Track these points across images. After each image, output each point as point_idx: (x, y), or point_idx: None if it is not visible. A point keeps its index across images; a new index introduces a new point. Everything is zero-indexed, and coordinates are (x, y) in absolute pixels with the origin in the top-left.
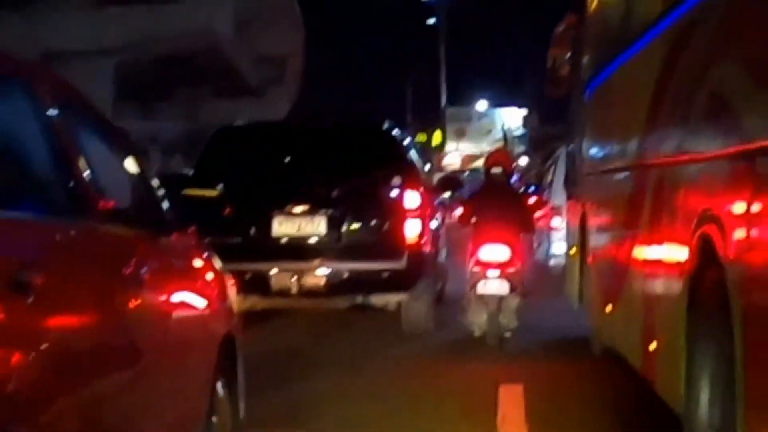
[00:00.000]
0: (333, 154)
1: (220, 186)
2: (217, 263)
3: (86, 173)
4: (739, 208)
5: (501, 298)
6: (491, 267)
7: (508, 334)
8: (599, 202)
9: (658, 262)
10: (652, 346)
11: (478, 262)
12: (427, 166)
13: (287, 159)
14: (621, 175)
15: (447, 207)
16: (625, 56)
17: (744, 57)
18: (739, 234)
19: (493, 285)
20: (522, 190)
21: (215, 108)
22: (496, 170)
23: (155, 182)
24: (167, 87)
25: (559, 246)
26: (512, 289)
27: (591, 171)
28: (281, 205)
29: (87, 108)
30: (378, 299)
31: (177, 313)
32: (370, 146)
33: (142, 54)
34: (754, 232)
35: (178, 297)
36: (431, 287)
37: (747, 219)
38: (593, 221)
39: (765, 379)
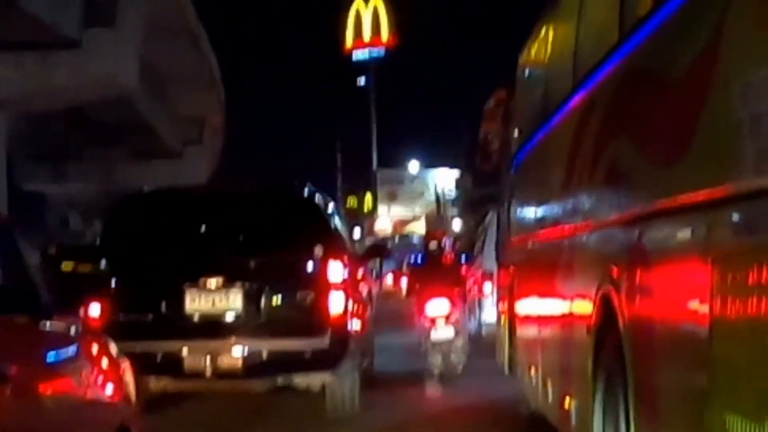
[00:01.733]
0: (250, 223)
1: (103, 261)
2: (111, 346)
3: None
4: (630, 269)
5: (450, 341)
6: (438, 318)
7: (460, 368)
8: (524, 271)
9: (570, 323)
10: (567, 402)
11: (426, 317)
12: (358, 232)
13: (201, 228)
14: (541, 244)
15: (378, 277)
16: (541, 133)
17: (631, 132)
18: (631, 293)
19: (441, 332)
20: (452, 256)
21: (131, 169)
22: (433, 245)
23: (32, 261)
24: (78, 146)
25: (490, 313)
26: (456, 333)
27: (516, 241)
28: (194, 279)
29: None
30: (300, 380)
31: (55, 405)
32: (290, 214)
33: (39, 106)
34: (643, 291)
35: (57, 387)
36: (358, 365)
37: (637, 279)
38: (519, 290)
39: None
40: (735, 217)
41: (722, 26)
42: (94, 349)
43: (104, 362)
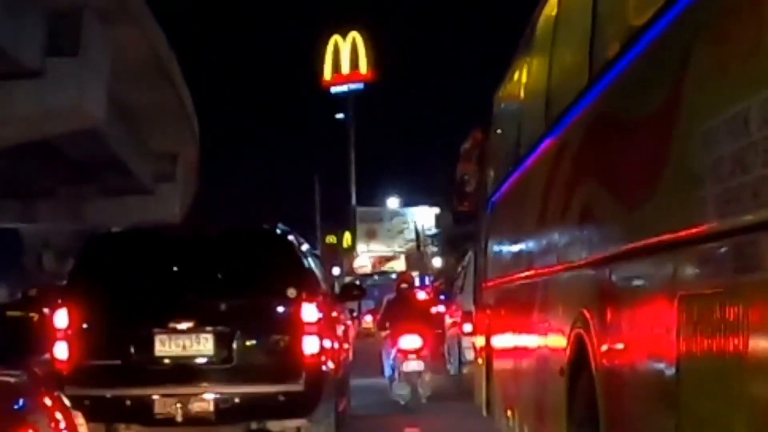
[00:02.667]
0: (221, 264)
1: (46, 309)
2: (63, 400)
3: None
4: (601, 311)
5: (419, 374)
6: (410, 353)
7: (425, 400)
8: (500, 311)
9: (544, 365)
10: None
11: (399, 350)
12: (337, 270)
13: (171, 270)
14: (515, 286)
15: (356, 317)
16: (514, 175)
17: (601, 175)
18: (603, 334)
19: (412, 364)
20: (432, 294)
21: (103, 207)
22: (404, 285)
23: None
24: (50, 183)
25: (470, 351)
26: (426, 367)
27: (492, 282)
28: (164, 322)
29: None
30: (274, 426)
31: None
32: (263, 254)
33: (3, 137)
34: (614, 333)
35: None
36: (333, 409)
37: (608, 320)
38: (495, 330)
39: None
40: (701, 258)
41: (686, 70)
42: (47, 401)
43: (59, 415)
